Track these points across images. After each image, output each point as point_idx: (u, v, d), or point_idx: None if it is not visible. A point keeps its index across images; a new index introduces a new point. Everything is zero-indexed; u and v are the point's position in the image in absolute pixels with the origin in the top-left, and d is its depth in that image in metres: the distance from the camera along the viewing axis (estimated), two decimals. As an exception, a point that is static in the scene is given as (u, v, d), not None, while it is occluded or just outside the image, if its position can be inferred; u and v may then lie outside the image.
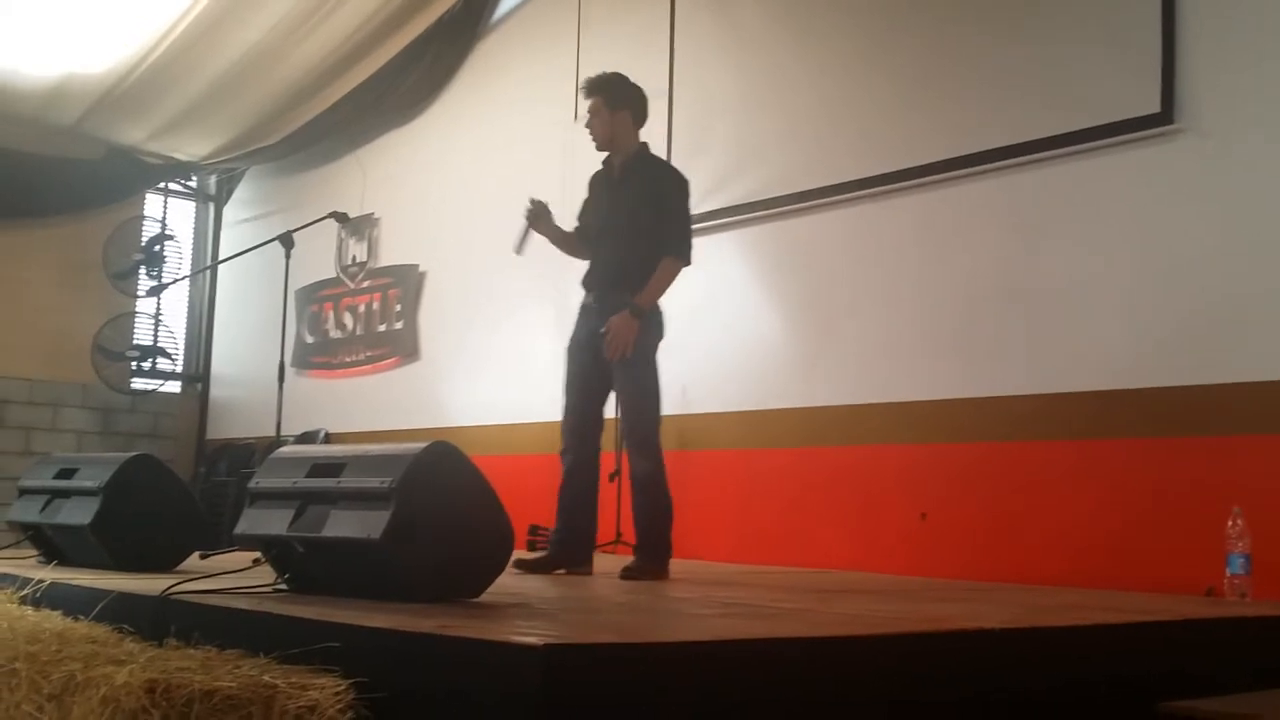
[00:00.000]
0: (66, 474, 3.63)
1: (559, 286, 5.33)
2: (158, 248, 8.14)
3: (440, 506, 2.46)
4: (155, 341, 8.28)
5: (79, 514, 3.43)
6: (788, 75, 5.43)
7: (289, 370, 5.70)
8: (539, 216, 4.20)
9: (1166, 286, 4.13)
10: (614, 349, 3.96)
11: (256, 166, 8.56)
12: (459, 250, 6.90)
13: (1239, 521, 3.55)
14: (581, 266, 4.29)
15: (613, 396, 4.11)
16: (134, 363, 8.13)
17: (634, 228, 4.08)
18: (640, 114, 4.20)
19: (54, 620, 2.55)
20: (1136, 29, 4.22)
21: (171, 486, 3.63)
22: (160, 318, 8.39)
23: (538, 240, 4.26)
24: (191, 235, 8.96)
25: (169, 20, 6.50)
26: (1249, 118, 3.97)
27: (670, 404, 5.31)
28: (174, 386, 8.63)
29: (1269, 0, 3.98)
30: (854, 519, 4.89)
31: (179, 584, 2.46)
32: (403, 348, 7.33)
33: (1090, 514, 4.17)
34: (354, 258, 7.78)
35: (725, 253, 5.51)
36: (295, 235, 5.52)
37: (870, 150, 5.01)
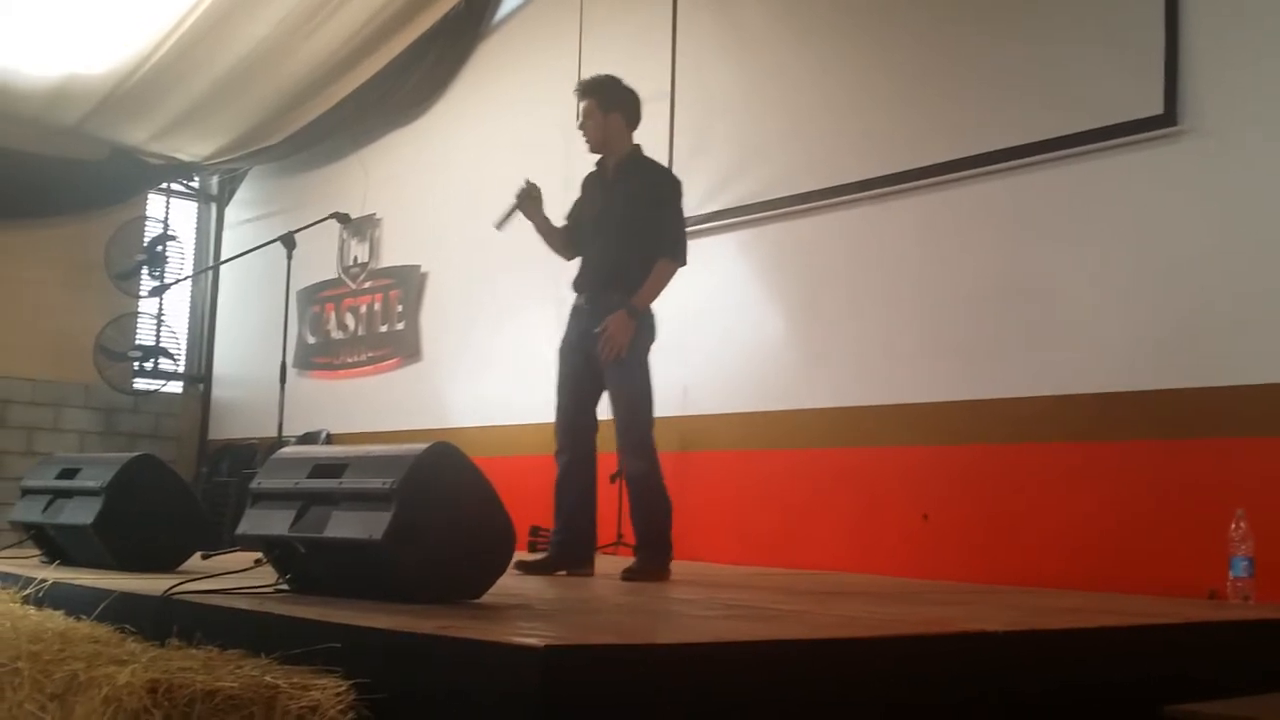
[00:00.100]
0: (69, 474, 3.64)
1: (561, 287, 5.32)
2: (160, 248, 8.14)
3: (441, 507, 2.47)
4: (157, 342, 8.27)
5: (81, 514, 3.43)
6: (789, 75, 5.43)
7: (291, 371, 5.70)
8: (529, 198, 4.20)
9: (1169, 288, 4.13)
10: (609, 349, 3.96)
11: (258, 167, 8.57)
12: (461, 251, 6.90)
13: (1242, 524, 3.54)
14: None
15: (605, 397, 4.11)
16: (136, 363, 8.12)
17: (627, 230, 4.09)
18: (633, 116, 4.21)
19: (56, 620, 2.56)
20: (1139, 29, 4.22)
21: (173, 487, 3.63)
22: (162, 318, 8.39)
23: (536, 240, 4.26)
24: (193, 236, 8.97)
25: (171, 21, 6.51)
26: (1252, 118, 3.97)
27: (671, 405, 5.32)
28: (176, 387, 8.63)
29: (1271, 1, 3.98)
30: (855, 521, 4.89)
31: (181, 584, 2.46)
32: (404, 348, 7.34)
33: (1092, 516, 4.17)
34: (356, 258, 7.78)
35: (726, 253, 5.51)
36: (297, 236, 5.53)
37: (872, 151, 5.01)
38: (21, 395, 7.85)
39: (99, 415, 8.17)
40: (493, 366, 6.62)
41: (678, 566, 4.08)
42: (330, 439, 7.34)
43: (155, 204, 8.62)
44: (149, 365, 8.21)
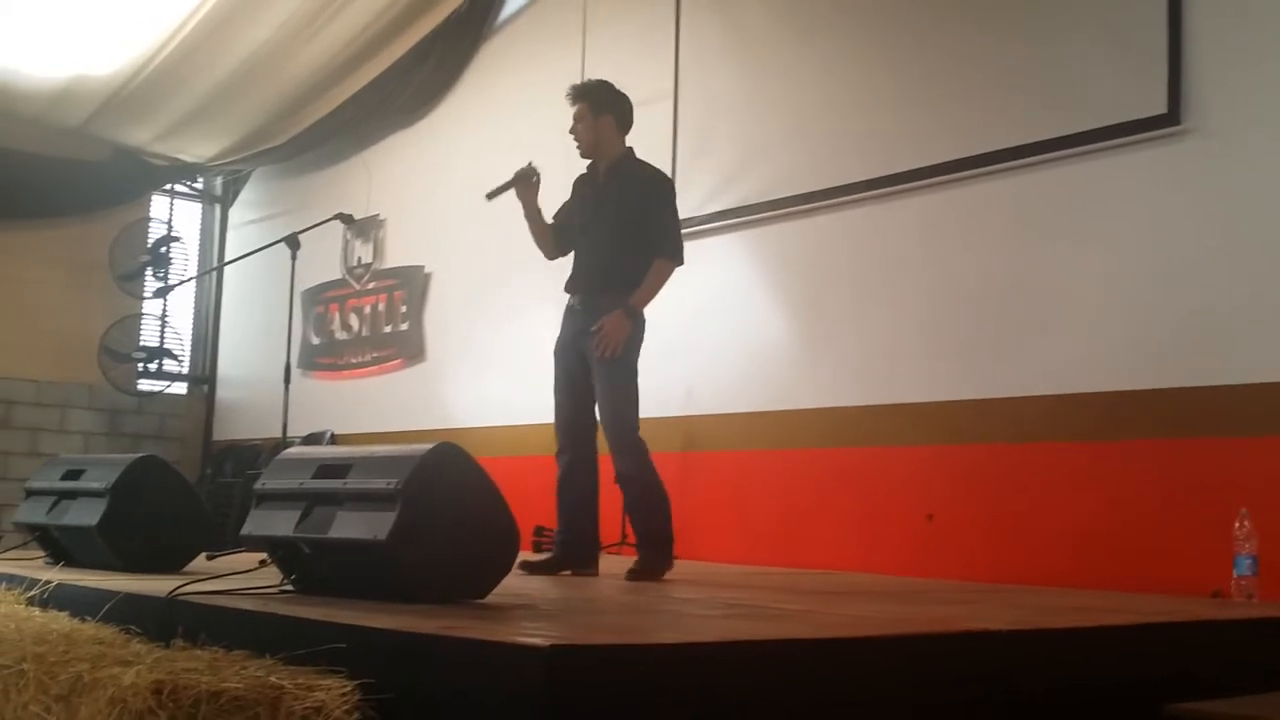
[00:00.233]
0: (73, 475, 3.64)
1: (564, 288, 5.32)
2: (164, 249, 8.15)
3: (446, 508, 2.47)
4: (161, 343, 8.29)
5: (86, 515, 3.44)
6: (792, 75, 5.43)
7: (295, 371, 5.71)
8: (526, 180, 4.21)
9: (1173, 287, 4.13)
10: (604, 347, 3.96)
11: (262, 168, 8.58)
12: (464, 251, 6.91)
13: (1246, 523, 3.54)
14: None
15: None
16: (140, 364, 8.14)
17: (620, 231, 4.10)
18: (624, 119, 4.21)
19: (61, 621, 2.56)
20: (1142, 29, 4.22)
21: (178, 488, 3.63)
22: (166, 319, 8.41)
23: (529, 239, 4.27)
24: (198, 237, 8.98)
25: (175, 22, 6.52)
26: (1255, 118, 3.97)
27: (674, 405, 5.32)
28: (180, 388, 8.65)
29: (1274, 0, 3.98)
30: (859, 520, 4.89)
31: (186, 585, 2.47)
32: (408, 349, 7.34)
33: (1096, 515, 4.17)
34: (359, 259, 7.79)
35: (729, 253, 5.51)
36: (301, 237, 5.54)
37: (875, 150, 5.01)
38: (26, 396, 7.86)
39: (103, 416, 8.18)
40: (497, 366, 6.62)
41: (681, 566, 4.08)
42: (335, 439, 7.35)
43: (159, 205, 8.65)
44: (153, 366, 8.22)
